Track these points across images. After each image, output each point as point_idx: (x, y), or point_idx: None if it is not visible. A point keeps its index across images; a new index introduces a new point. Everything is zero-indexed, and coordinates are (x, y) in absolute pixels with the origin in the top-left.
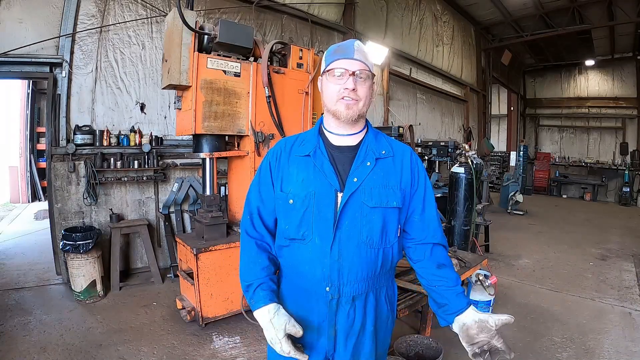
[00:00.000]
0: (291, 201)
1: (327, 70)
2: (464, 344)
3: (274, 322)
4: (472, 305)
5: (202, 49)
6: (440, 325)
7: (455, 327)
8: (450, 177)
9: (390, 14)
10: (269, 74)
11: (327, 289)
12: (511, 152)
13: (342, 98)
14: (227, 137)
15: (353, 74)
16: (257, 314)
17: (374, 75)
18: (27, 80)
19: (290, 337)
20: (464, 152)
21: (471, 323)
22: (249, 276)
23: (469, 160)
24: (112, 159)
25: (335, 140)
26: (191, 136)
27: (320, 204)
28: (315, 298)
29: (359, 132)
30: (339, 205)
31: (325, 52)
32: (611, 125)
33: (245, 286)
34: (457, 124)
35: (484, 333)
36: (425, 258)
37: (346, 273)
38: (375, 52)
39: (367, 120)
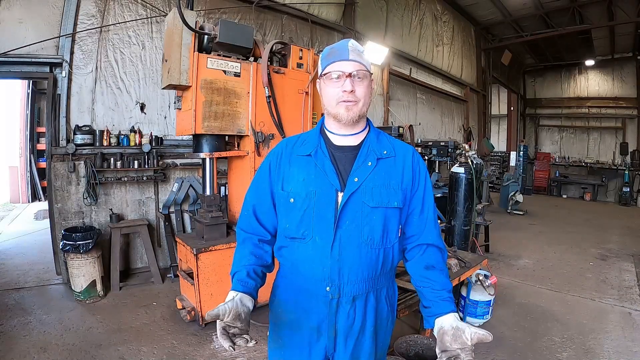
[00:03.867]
0: (292, 200)
1: (324, 74)
2: (437, 350)
3: (227, 304)
4: (454, 313)
5: (202, 49)
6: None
7: (435, 331)
8: (450, 177)
9: (390, 14)
10: (269, 74)
11: (327, 288)
12: (511, 152)
13: (342, 101)
14: (227, 137)
15: (350, 75)
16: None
17: (372, 73)
18: (27, 80)
19: (239, 327)
20: (464, 152)
21: (448, 328)
22: (232, 268)
23: (469, 160)
24: (112, 159)
25: (337, 140)
26: (191, 136)
27: (320, 203)
28: (315, 298)
29: (361, 132)
30: (339, 205)
31: (320, 55)
32: (611, 125)
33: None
34: (457, 124)
35: (457, 343)
36: (416, 258)
37: (346, 273)
38: (375, 52)
39: (368, 120)
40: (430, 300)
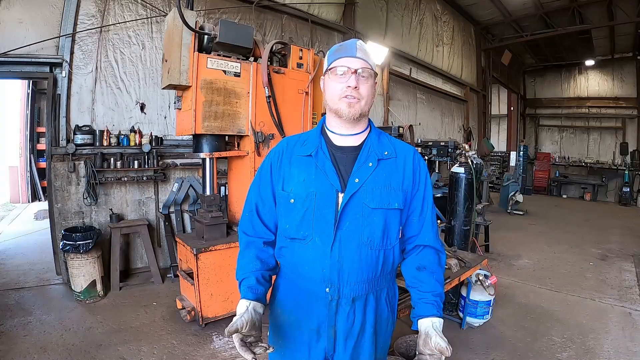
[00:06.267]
0: (292, 201)
1: (330, 69)
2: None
3: (244, 316)
4: (432, 317)
5: (202, 49)
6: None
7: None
8: (450, 177)
9: (390, 14)
10: (269, 74)
11: (327, 290)
12: (511, 152)
13: (345, 96)
14: (227, 137)
15: (355, 72)
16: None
17: (376, 74)
18: (27, 80)
19: (254, 335)
20: (464, 152)
21: (422, 332)
22: (238, 273)
23: (469, 160)
24: (112, 159)
25: (338, 141)
26: (191, 136)
27: (320, 204)
28: (315, 299)
29: (362, 132)
30: (339, 206)
31: (327, 52)
32: (611, 125)
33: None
34: (457, 124)
35: (427, 348)
36: (410, 258)
37: (346, 274)
38: (375, 52)
39: (370, 120)
40: (414, 301)
